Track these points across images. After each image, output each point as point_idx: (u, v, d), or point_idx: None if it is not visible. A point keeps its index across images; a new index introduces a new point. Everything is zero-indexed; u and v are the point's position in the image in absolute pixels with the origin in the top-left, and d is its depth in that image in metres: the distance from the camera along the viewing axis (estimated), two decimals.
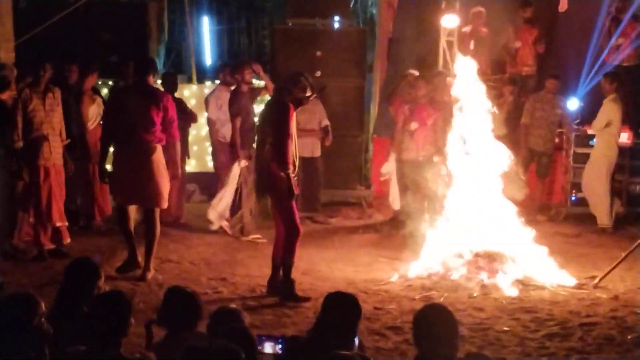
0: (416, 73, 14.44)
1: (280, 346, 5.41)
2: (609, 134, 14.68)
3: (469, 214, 11.80)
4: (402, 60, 16.53)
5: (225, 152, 14.22)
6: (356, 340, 5.53)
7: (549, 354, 8.69)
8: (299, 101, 10.17)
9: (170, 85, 13.95)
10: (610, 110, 14.63)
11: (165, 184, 11.21)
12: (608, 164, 14.70)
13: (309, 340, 5.35)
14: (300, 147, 10.78)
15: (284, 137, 9.93)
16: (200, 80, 18.26)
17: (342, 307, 5.42)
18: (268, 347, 5.42)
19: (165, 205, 11.32)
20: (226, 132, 14.18)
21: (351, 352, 5.21)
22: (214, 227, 13.85)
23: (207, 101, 14.62)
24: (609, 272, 11.21)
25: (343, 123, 15.98)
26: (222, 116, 14.19)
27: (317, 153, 15.01)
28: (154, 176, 11.03)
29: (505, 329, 9.45)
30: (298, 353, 5.23)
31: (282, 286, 10.35)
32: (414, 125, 13.77)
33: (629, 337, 9.20)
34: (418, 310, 5.53)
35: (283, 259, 10.44)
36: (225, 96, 14.00)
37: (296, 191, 10.17)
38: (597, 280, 11.14)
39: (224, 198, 13.73)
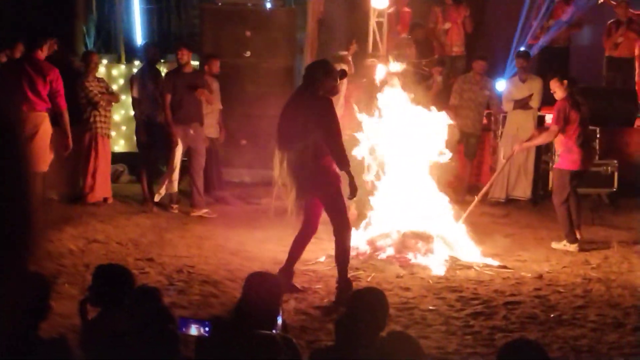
0: (345, 53, 14.46)
1: (207, 328, 5.39)
2: (530, 110, 14.93)
3: (396, 195, 11.88)
4: (332, 41, 16.54)
5: (150, 132, 14.34)
6: (279, 320, 5.54)
7: (473, 332, 8.80)
8: (331, 91, 9.76)
9: (88, 64, 14.15)
10: (533, 87, 14.88)
11: (45, 149, 12.04)
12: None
13: (232, 321, 5.35)
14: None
15: (338, 134, 9.48)
16: (130, 60, 18.10)
17: (262, 287, 5.42)
18: (194, 330, 5.40)
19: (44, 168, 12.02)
20: (150, 111, 14.21)
21: (273, 331, 5.23)
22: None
23: (131, 80, 14.58)
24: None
25: (272, 104, 15.90)
26: (146, 96, 14.19)
27: (217, 134, 14.96)
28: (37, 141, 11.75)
29: (431, 308, 9.55)
30: (221, 334, 5.23)
31: (340, 287, 9.72)
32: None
33: (551, 315, 9.35)
34: (354, 291, 5.59)
35: (340, 260, 9.82)
36: (150, 76, 14.26)
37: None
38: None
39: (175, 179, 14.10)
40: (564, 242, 12.27)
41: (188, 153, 14.14)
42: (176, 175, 14.09)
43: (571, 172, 12.37)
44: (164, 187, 14.22)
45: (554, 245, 12.34)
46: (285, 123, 9.75)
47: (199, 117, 14.19)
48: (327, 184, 9.63)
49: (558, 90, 12.19)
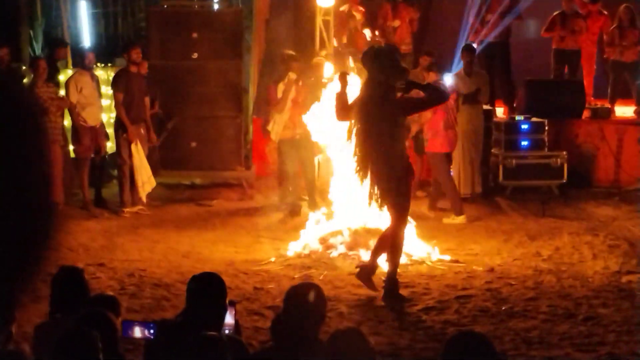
0: (292, 53, 14.43)
1: (151, 331, 5.37)
2: (478, 104, 15.03)
3: (347, 192, 11.88)
4: (280, 41, 16.53)
5: (87, 136, 14.25)
6: (228, 317, 5.51)
7: (425, 327, 8.84)
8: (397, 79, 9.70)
9: (36, 70, 13.98)
10: (480, 81, 14.98)
11: None
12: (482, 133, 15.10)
13: (179, 323, 5.33)
14: None
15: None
16: (78, 64, 17.94)
17: (207, 288, 5.40)
18: (138, 332, 5.38)
19: None
20: (87, 115, 14.22)
21: (220, 332, 5.21)
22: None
23: (67, 85, 14.45)
24: None
25: (221, 105, 15.89)
26: (83, 99, 14.16)
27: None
28: None
29: (383, 304, 9.56)
30: (169, 336, 5.20)
31: (385, 286, 9.74)
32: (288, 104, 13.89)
33: (503, 308, 9.40)
34: (288, 289, 5.57)
35: (389, 258, 9.75)
36: (85, 80, 14.31)
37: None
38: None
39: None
40: (452, 216, 13.15)
41: (132, 152, 14.15)
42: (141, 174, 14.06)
43: (443, 154, 13.42)
44: (141, 189, 14.17)
45: (445, 221, 13.14)
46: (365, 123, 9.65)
47: (145, 118, 14.49)
48: (399, 178, 9.66)
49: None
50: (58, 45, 15.11)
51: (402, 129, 9.98)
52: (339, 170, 11.94)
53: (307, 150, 13.69)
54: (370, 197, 9.73)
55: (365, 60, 9.86)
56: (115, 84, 14.29)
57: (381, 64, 9.59)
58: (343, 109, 9.85)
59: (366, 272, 9.85)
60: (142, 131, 14.29)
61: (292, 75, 13.69)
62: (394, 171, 9.62)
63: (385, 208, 9.73)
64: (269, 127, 13.93)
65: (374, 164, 9.64)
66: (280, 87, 13.72)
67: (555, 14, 17.08)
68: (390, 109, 9.58)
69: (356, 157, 9.75)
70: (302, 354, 4.97)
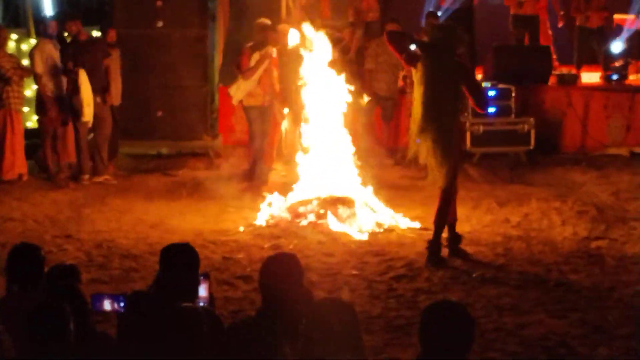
0: (267, 21, 14.31)
1: (121, 304, 5.29)
2: None
3: (315, 160, 11.85)
4: (245, 9, 16.38)
5: (54, 107, 14.06)
6: (202, 291, 5.45)
7: (397, 295, 8.82)
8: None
9: None
10: None
11: None
12: None
13: (151, 295, 5.27)
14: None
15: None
16: (40, 33, 17.70)
17: (178, 258, 5.33)
18: (107, 305, 5.30)
19: None
20: (53, 86, 14.04)
21: (194, 302, 5.16)
22: None
23: (32, 55, 14.24)
24: None
25: (186, 74, 15.77)
26: (48, 70, 13.95)
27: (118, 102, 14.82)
28: None
29: (354, 272, 9.56)
30: (141, 309, 5.13)
31: (429, 248, 9.87)
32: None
33: (474, 275, 9.40)
34: (265, 259, 5.51)
35: (434, 220, 9.96)
36: (49, 49, 14.13)
37: None
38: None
39: None
40: None
41: (94, 121, 14.08)
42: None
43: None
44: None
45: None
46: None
47: (103, 86, 14.21)
48: (457, 142, 10.12)
49: None
50: (69, 18, 14.77)
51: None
52: (308, 139, 11.90)
53: (269, 118, 13.77)
54: (427, 156, 9.95)
55: (445, 30, 10.23)
56: (63, 56, 14.12)
57: (460, 38, 10.03)
58: (411, 55, 10.08)
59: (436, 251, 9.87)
60: (98, 99, 14.04)
61: (270, 50, 13.52)
62: (454, 135, 9.96)
63: (438, 170, 9.89)
64: (231, 91, 13.80)
65: (440, 124, 9.78)
66: (255, 56, 13.57)
67: None
68: (461, 75, 9.89)
69: (423, 113, 9.83)
70: (281, 326, 4.92)
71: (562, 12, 17.32)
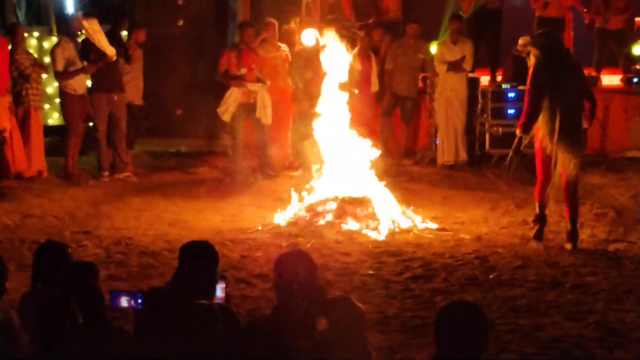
0: (246, 20, 14.56)
1: (139, 300, 5.33)
2: (462, 72, 15.03)
3: (334, 161, 11.88)
4: (265, 8, 16.42)
5: (76, 104, 14.07)
6: (219, 291, 5.48)
7: (413, 295, 8.82)
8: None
9: (15, 36, 13.92)
10: (465, 49, 14.97)
11: None
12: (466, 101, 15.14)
13: (168, 292, 5.29)
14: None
15: None
16: (62, 31, 17.77)
17: (197, 256, 5.35)
18: (124, 302, 5.35)
19: None
20: (75, 83, 14.03)
21: (211, 301, 5.18)
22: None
23: (53, 53, 14.26)
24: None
25: (206, 73, 15.81)
26: (71, 67, 13.98)
27: (140, 101, 14.87)
28: None
29: (371, 272, 9.56)
30: (157, 305, 5.16)
31: (568, 236, 10.51)
32: (243, 70, 14.11)
33: (490, 276, 9.39)
34: (277, 257, 5.54)
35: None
36: (71, 47, 14.10)
37: None
38: None
39: None
40: None
41: (110, 120, 14.20)
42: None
43: None
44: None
45: None
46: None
47: (119, 84, 14.31)
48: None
49: None
50: (89, 16, 14.78)
51: None
52: (326, 140, 11.93)
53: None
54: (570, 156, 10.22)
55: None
56: (80, 52, 14.13)
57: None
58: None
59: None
60: (115, 98, 14.19)
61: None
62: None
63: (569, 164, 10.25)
64: (220, 110, 14.12)
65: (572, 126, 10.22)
66: (233, 55, 13.89)
67: None
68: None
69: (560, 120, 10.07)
70: (296, 323, 4.95)
71: (585, 10, 17.21)
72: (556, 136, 10.05)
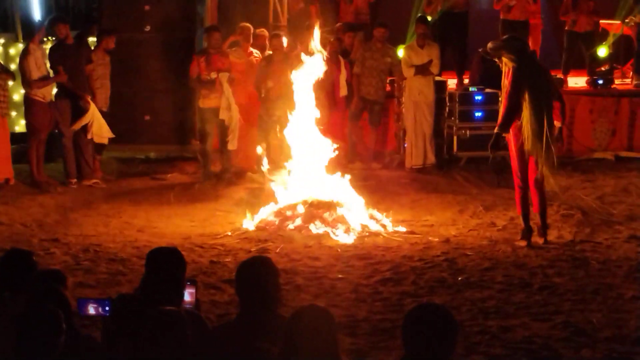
0: (213, 25, 14.59)
1: (107, 308, 5.33)
2: (430, 76, 15.10)
3: (302, 165, 11.90)
4: (233, 14, 16.40)
5: (43, 111, 14.03)
6: (187, 296, 5.49)
7: (383, 299, 8.85)
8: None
9: None
10: (432, 53, 15.04)
11: None
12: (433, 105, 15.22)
13: (138, 298, 5.29)
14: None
15: None
16: (27, 38, 17.67)
17: (164, 262, 5.36)
18: (92, 310, 5.35)
19: None
20: (44, 90, 14.01)
21: (179, 307, 5.18)
22: None
23: (24, 61, 14.15)
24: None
25: (174, 78, 15.78)
26: (39, 74, 13.93)
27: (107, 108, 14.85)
28: None
29: (340, 276, 9.59)
30: (125, 312, 5.15)
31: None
32: (213, 74, 14.11)
33: (459, 278, 9.45)
34: (239, 264, 5.57)
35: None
36: (39, 55, 14.09)
37: None
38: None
39: None
40: None
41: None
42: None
43: None
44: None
45: None
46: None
47: (87, 90, 14.26)
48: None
49: None
50: (60, 21, 14.69)
51: None
52: (295, 143, 11.96)
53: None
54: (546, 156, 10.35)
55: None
56: (51, 59, 14.15)
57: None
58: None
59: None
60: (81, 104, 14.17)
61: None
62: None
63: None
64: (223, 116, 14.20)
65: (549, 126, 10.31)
66: (202, 60, 14.00)
67: None
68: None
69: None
70: (261, 329, 4.96)
71: (542, 17, 17.34)
72: (536, 136, 10.23)
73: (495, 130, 10.55)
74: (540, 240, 10.56)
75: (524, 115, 10.24)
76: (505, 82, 10.42)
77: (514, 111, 10.31)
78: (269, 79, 13.93)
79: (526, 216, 10.68)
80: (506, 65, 10.40)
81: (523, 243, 10.63)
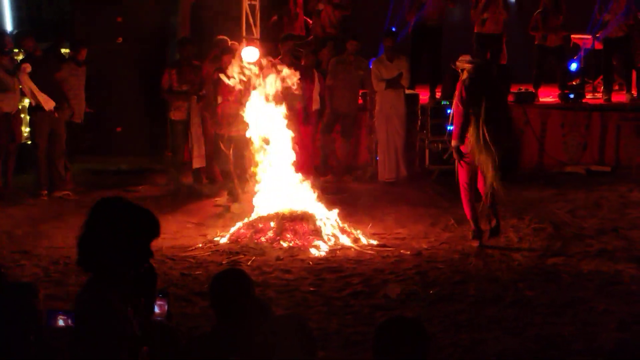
0: (185, 38, 14.58)
1: (74, 320, 5.28)
2: (400, 89, 15.14)
3: (274, 179, 11.88)
4: (206, 26, 16.41)
5: (2, 123, 13.92)
6: (157, 308, 5.44)
7: (354, 312, 8.83)
8: None
9: None
10: (401, 66, 15.08)
11: None
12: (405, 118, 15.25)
13: None
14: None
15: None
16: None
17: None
18: (61, 321, 5.29)
19: None
20: (2, 102, 13.89)
21: (148, 319, 5.13)
22: None
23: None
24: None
25: (147, 90, 15.74)
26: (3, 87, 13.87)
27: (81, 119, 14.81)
28: None
29: (312, 289, 9.58)
30: None
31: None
32: (184, 87, 14.27)
33: (431, 291, 9.44)
34: (212, 277, 5.53)
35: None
36: (5, 66, 13.96)
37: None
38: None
39: None
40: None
41: (50, 136, 14.09)
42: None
43: None
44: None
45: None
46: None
47: (62, 98, 14.20)
48: None
49: None
50: (24, 35, 14.65)
51: None
52: (266, 157, 11.94)
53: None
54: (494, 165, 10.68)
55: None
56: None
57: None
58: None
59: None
60: (56, 114, 14.07)
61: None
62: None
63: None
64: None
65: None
66: (173, 72, 14.27)
67: None
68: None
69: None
70: (236, 341, 4.92)
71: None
72: (483, 147, 10.56)
73: (453, 144, 10.95)
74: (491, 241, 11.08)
75: (471, 128, 10.66)
76: (456, 92, 10.83)
77: (465, 124, 10.76)
78: (218, 95, 13.88)
79: (475, 218, 11.06)
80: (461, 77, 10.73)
81: (475, 243, 11.03)
